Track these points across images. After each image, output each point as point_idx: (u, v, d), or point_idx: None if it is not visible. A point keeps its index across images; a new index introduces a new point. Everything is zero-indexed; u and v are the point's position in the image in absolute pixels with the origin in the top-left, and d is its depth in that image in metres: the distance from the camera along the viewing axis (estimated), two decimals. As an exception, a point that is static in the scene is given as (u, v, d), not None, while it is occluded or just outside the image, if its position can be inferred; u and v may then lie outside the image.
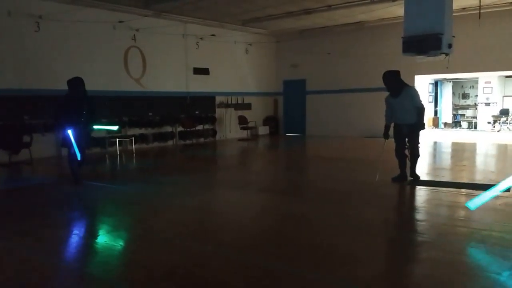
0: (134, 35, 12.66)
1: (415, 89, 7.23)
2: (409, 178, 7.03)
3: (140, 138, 12.98)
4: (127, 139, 12.37)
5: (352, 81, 15.80)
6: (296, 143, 15.09)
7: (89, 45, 11.67)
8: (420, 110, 6.87)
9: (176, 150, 13.05)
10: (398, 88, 6.90)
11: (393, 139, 7.11)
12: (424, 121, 7.06)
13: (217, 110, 15.47)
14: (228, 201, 6.26)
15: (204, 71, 14.78)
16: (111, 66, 12.23)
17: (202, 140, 14.81)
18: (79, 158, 7.09)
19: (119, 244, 4.44)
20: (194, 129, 14.32)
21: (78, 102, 7.01)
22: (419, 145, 7.02)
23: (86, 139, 7.41)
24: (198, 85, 14.57)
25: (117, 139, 11.82)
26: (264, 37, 16.58)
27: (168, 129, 13.90)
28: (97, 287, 3.36)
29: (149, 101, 13.13)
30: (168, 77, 13.79)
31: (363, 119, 15.59)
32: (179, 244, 4.32)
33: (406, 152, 7.05)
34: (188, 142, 14.31)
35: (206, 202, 6.17)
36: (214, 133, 15.28)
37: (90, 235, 4.83)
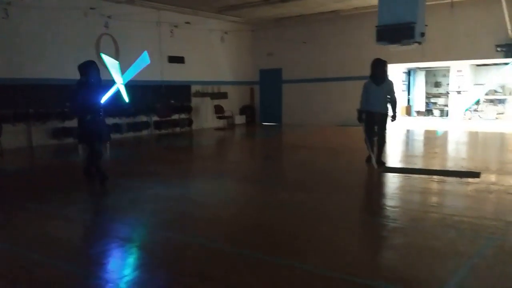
0: (107, 22, 12.37)
1: (393, 83, 7.53)
2: (375, 165, 7.24)
3: (114, 128, 12.76)
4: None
5: (327, 70, 15.88)
6: (272, 132, 15.12)
7: (60, 33, 11.34)
8: (396, 103, 7.33)
9: (152, 140, 12.90)
10: (384, 77, 7.26)
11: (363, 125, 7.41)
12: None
13: (193, 99, 15.32)
14: (204, 191, 6.23)
15: (179, 60, 14.59)
16: (83, 54, 11.92)
17: (178, 129, 14.67)
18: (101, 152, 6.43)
19: (93, 235, 4.37)
20: (169, 118, 14.15)
21: (95, 88, 6.06)
22: (386, 132, 7.37)
23: (107, 131, 6.62)
24: (173, 74, 14.38)
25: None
26: (239, 25, 16.46)
27: (143, 118, 13.71)
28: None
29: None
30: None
31: (339, 108, 15.71)
32: (155, 234, 4.29)
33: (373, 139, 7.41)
34: (163, 131, 14.16)
35: (182, 192, 6.13)
36: (190, 122, 15.15)
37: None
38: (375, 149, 7.32)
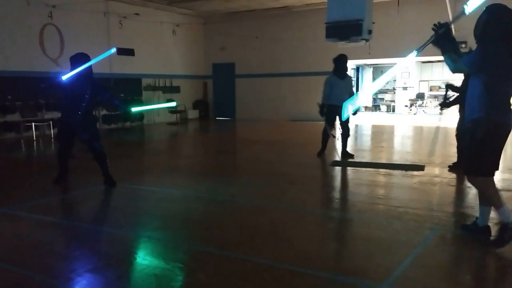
0: (51, 12, 11.81)
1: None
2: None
3: (59, 122, 12.23)
4: (44, 123, 11.61)
5: (280, 66, 16.01)
6: (226, 126, 15.07)
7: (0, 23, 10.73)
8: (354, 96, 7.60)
9: (101, 135, 12.47)
10: (346, 72, 7.58)
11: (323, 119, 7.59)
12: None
13: (144, 93, 14.98)
14: (156, 186, 6.10)
15: (129, 52, 14.13)
16: (25, 45, 11.33)
17: (128, 124, 14.30)
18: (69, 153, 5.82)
19: (35, 235, 4.17)
20: (119, 112, 13.75)
21: (78, 84, 5.46)
22: (349, 125, 7.61)
23: (91, 131, 5.74)
24: (123, 67, 13.97)
25: (33, 124, 11.05)
26: (191, 18, 16.23)
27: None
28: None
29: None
30: (91, 58, 13.05)
31: (291, 103, 15.90)
32: (101, 231, 4.15)
33: (332, 132, 7.65)
34: (113, 126, 13.75)
35: (133, 188, 5.97)
36: (141, 117, 14.80)
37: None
38: (341, 142, 7.62)
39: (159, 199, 5.27)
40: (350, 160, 7.49)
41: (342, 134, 7.60)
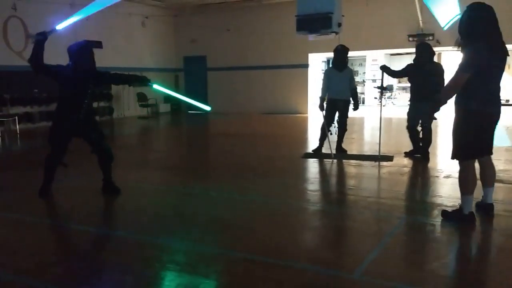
0: (14, 4, 11.41)
1: (353, 71, 7.59)
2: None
3: (25, 117, 11.90)
4: (10, 119, 11.24)
5: (252, 59, 15.99)
6: (198, 120, 14.97)
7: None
8: (356, 91, 7.36)
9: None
10: (345, 64, 7.29)
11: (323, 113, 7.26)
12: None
13: (114, 86, 14.68)
14: (126, 181, 6.01)
15: (96, 44, 13.84)
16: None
17: (97, 118, 13.98)
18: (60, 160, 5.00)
19: None
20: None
21: (81, 78, 4.84)
22: (347, 120, 7.37)
23: (98, 128, 5.15)
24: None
25: (-2, 119, 10.71)
26: (161, 10, 15.99)
27: (58, 107, 12.89)
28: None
29: (33, 76, 11.96)
30: (56, 50, 12.65)
31: (264, 96, 15.92)
32: (71, 228, 4.07)
33: (330, 129, 7.33)
34: (81, 120, 13.43)
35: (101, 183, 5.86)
36: (111, 111, 14.53)
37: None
38: (337, 137, 7.36)
39: (131, 194, 5.20)
40: (322, 152, 7.56)
41: (339, 129, 7.32)
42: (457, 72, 3.66)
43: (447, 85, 3.88)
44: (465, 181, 3.80)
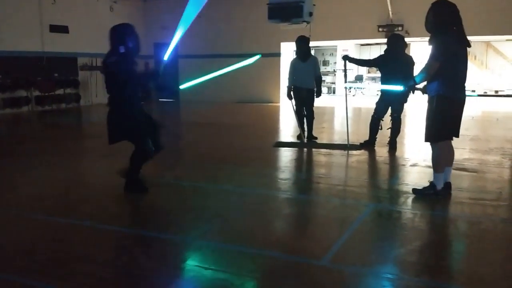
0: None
1: (317, 59, 7.74)
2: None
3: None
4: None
5: (223, 47, 15.82)
6: (169, 109, 14.78)
7: None
8: (320, 78, 7.57)
9: (33, 117, 11.83)
10: (308, 54, 7.47)
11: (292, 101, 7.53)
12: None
13: (80, 72, 14.29)
14: (93, 171, 5.90)
15: (62, 29, 13.42)
16: None
17: (63, 105, 13.63)
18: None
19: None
20: (53, 93, 13.07)
21: (135, 66, 4.71)
22: (313, 107, 7.58)
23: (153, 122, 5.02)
24: (56, 45, 13.21)
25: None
26: (130, -6, 15.61)
27: (22, 93, 12.46)
28: None
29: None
30: (20, 35, 12.21)
31: (236, 84, 15.82)
32: (38, 219, 3.96)
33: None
34: (47, 108, 13.05)
35: (68, 173, 5.73)
36: (77, 98, 14.16)
37: None
38: (306, 125, 7.57)
39: (104, 186, 5.10)
40: (292, 141, 7.61)
41: (306, 117, 7.57)
42: (429, 61, 4.04)
43: (421, 71, 4.17)
44: (439, 160, 4.23)
